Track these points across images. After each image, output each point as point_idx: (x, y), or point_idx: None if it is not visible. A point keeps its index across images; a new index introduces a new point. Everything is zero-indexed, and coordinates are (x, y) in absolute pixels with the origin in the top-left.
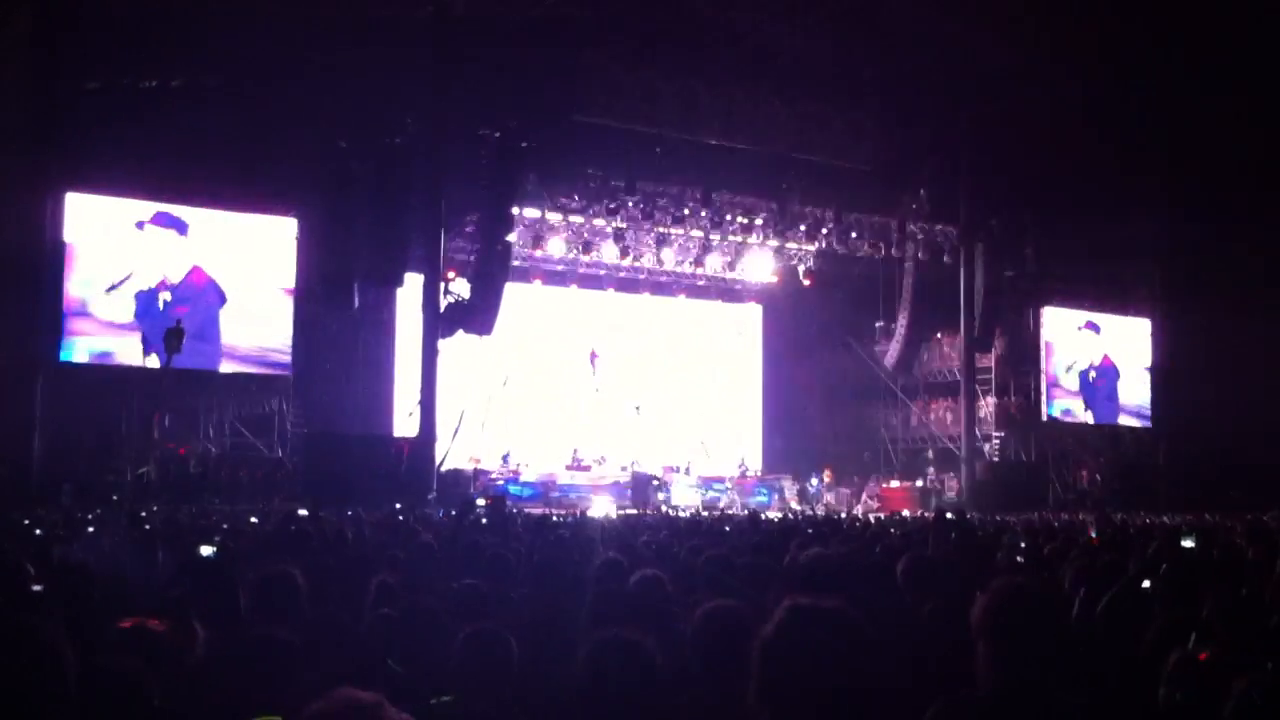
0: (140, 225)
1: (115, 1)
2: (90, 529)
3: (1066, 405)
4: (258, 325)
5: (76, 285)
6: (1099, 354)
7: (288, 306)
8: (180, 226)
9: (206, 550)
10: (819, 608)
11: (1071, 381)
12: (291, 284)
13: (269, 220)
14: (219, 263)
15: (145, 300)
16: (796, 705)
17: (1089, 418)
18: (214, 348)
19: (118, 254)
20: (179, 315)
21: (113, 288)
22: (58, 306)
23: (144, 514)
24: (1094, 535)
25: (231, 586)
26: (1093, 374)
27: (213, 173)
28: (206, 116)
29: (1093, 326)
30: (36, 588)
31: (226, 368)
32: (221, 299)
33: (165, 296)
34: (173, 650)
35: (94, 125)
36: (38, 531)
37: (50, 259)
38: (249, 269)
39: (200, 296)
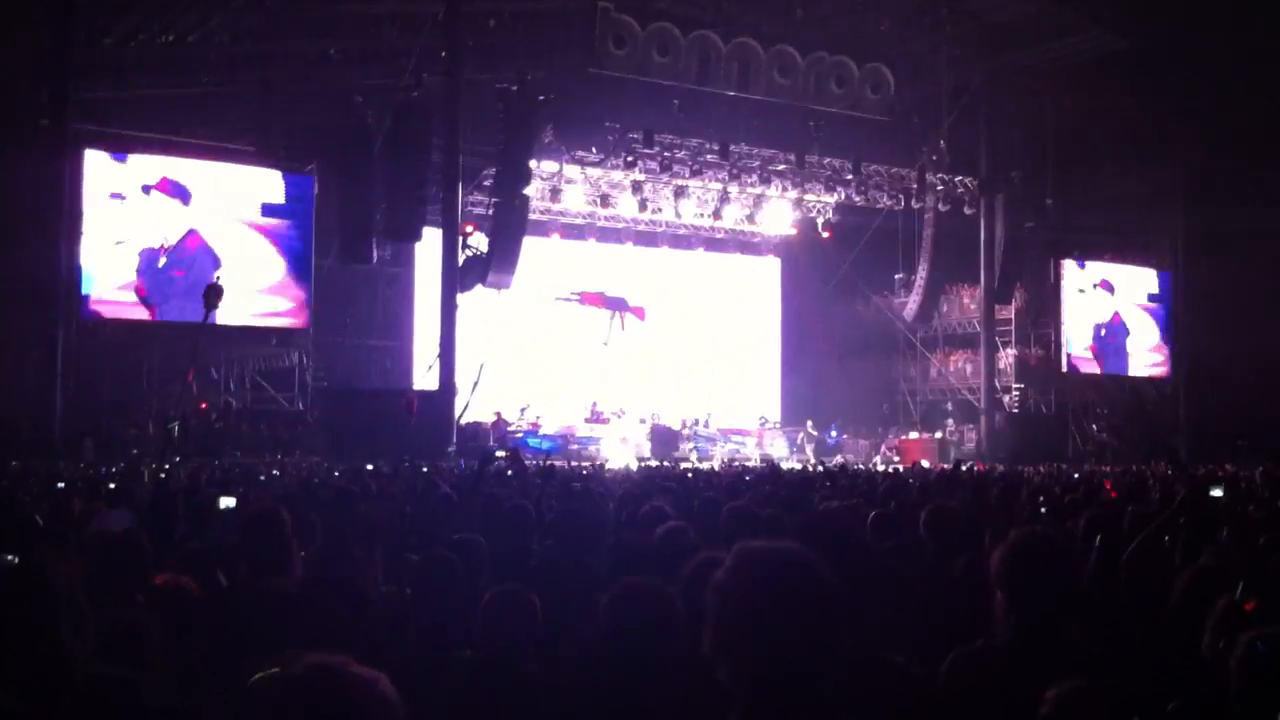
0: (146, 190)
1: None
2: (111, 485)
3: (1096, 358)
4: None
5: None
6: (1109, 311)
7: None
8: (184, 195)
9: (227, 502)
10: (772, 548)
11: (1084, 337)
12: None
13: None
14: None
15: (146, 260)
16: (752, 650)
17: (1123, 369)
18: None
19: (126, 214)
20: (176, 277)
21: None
22: (75, 262)
23: (167, 467)
24: (1111, 488)
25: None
26: (1103, 331)
27: (231, 129)
28: (224, 73)
29: (1106, 285)
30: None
31: (245, 322)
32: (216, 263)
33: (162, 260)
34: (200, 606)
35: (113, 82)
36: (60, 485)
37: (70, 215)
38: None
39: (195, 259)
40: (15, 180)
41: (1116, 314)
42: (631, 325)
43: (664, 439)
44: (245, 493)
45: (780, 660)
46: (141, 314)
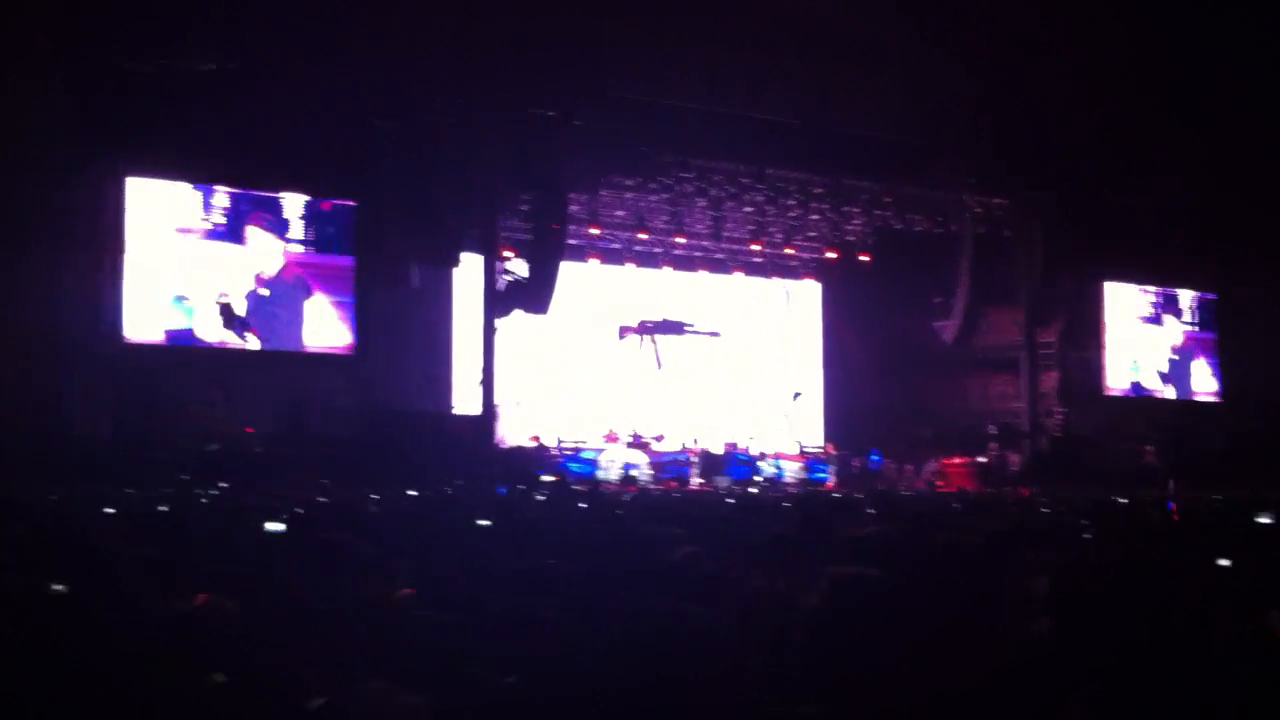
0: (243, 224)
1: None
2: (161, 507)
3: (1141, 381)
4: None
5: (149, 264)
6: (1157, 334)
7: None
8: (281, 228)
9: (274, 526)
10: (863, 577)
11: (1146, 358)
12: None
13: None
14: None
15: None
16: (842, 675)
17: (1168, 393)
18: (298, 333)
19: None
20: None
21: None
22: (118, 287)
23: (213, 492)
24: (1174, 509)
25: (297, 562)
26: (1155, 354)
27: (271, 156)
28: (264, 99)
29: (1169, 305)
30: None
31: (286, 348)
32: (309, 289)
33: (263, 291)
34: (243, 627)
35: (151, 109)
36: (108, 510)
37: (113, 240)
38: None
39: (293, 288)
40: (56, 209)
41: (1168, 337)
42: (669, 349)
43: (703, 463)
44: (291, 517)
45: (869, 683)
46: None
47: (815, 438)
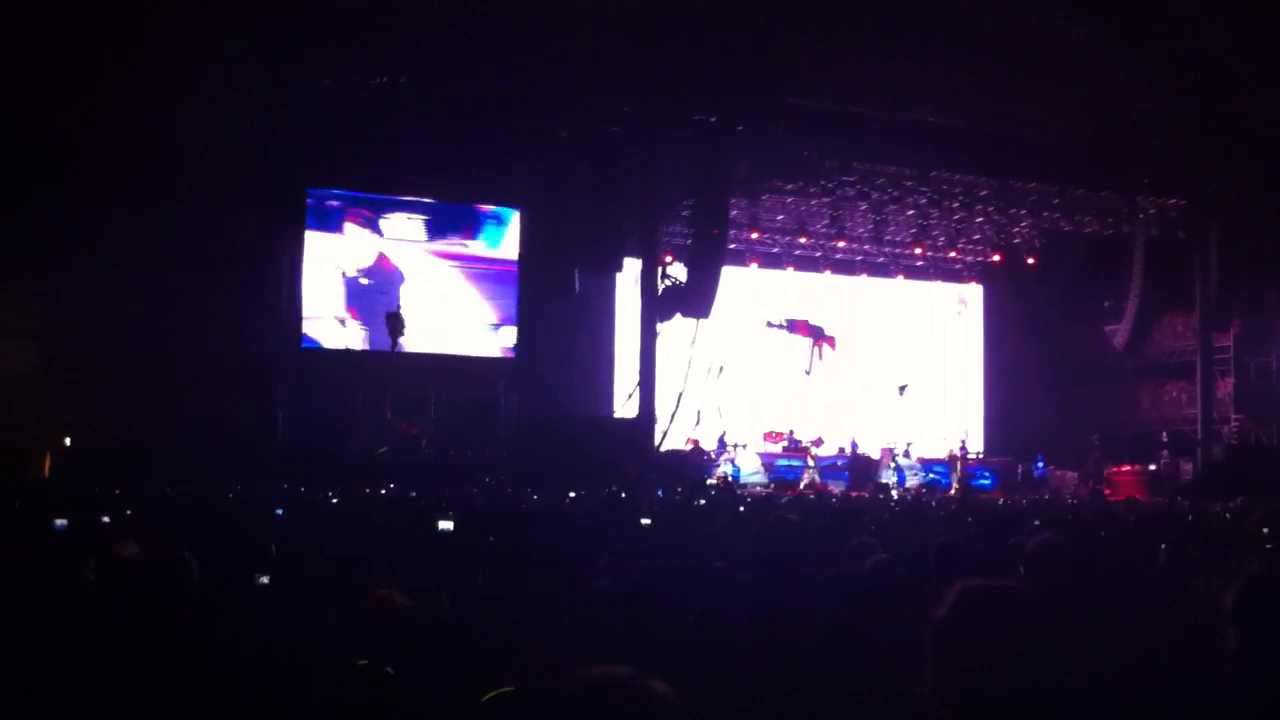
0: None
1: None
2: (334, 499)
3: None
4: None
5: (317, 274)
6: None
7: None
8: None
9: (445, 525)
10: (994, 588)
11: None
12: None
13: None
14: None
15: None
16: (974, 691)
17: None
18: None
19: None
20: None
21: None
22: (297, 295)
23: (383, 492)
24: None
25: (469, 561)
26: None
27: (441, 166)
28: (433, 112)
29: None
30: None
31: (453, 351)
32: (400, 279)
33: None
34: (417, 623)
35: (328, 122)
36: (278, 511)
37: (290, 250)
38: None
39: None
40: (238, 217)
41: None
42: (828, 354)
43: (862, 469)
44: (460, 517)
45: (1002, 698)
46: (356, 335)
47: (976, 444)
